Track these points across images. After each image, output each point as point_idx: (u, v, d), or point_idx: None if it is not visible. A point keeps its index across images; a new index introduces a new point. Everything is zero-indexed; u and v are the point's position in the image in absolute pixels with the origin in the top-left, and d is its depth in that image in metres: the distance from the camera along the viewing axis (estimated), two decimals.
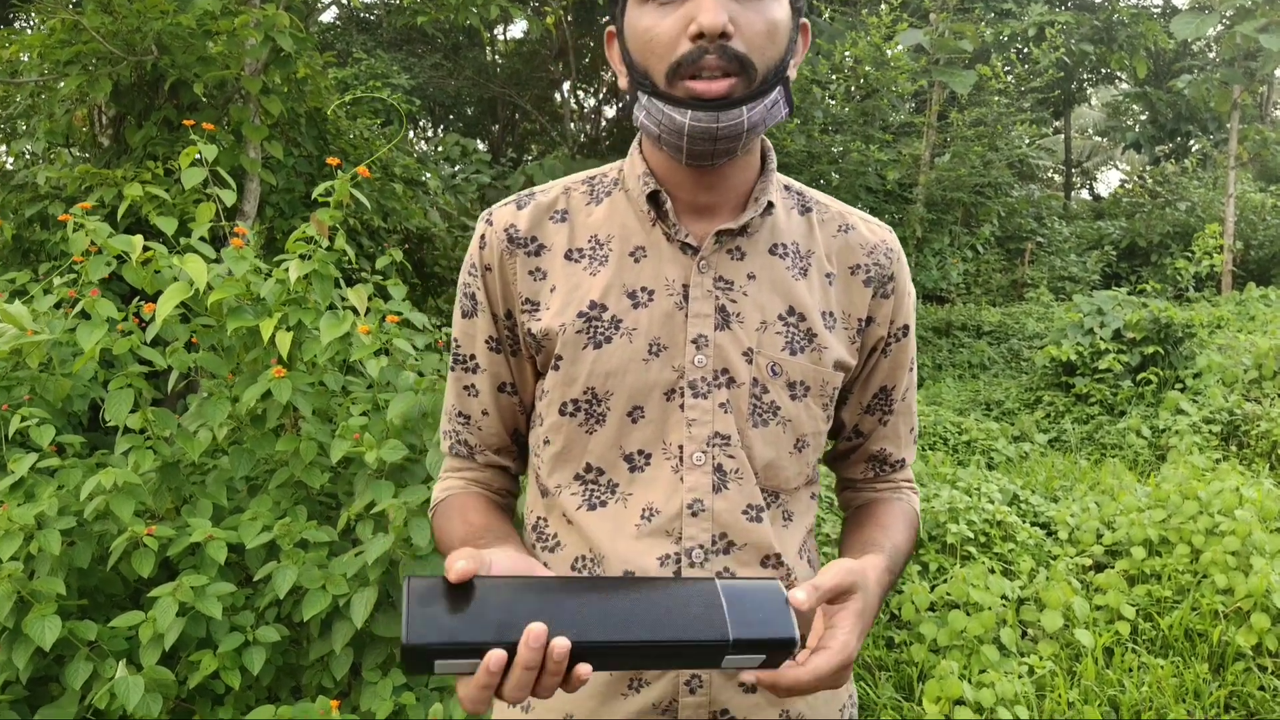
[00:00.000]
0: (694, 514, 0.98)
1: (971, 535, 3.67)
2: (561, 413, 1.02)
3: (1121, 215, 14.46)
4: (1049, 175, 19.61)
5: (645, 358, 1.00)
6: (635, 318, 1.00)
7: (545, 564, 1.03)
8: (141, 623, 2.10)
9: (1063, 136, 18.43)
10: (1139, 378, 6.38)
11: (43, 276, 3.01)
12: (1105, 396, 6.43)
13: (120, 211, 2.64)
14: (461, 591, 0.74)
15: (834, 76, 8.50)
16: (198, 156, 2.48)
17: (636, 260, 1.02)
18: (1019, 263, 12.70)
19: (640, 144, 1.05)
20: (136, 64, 4.04)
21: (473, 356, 1.09)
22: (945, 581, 3.36)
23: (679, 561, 0.98)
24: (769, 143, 1.06)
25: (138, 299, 2.49)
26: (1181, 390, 6.19)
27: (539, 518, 1.08)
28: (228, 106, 4.53)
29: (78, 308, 2.23)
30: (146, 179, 3.83)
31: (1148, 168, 17.05)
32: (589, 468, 1.02)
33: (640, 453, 1.00)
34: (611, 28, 0.99)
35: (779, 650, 0.78)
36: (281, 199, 5.12)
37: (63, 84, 3.93)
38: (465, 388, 1.11)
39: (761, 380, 1.01)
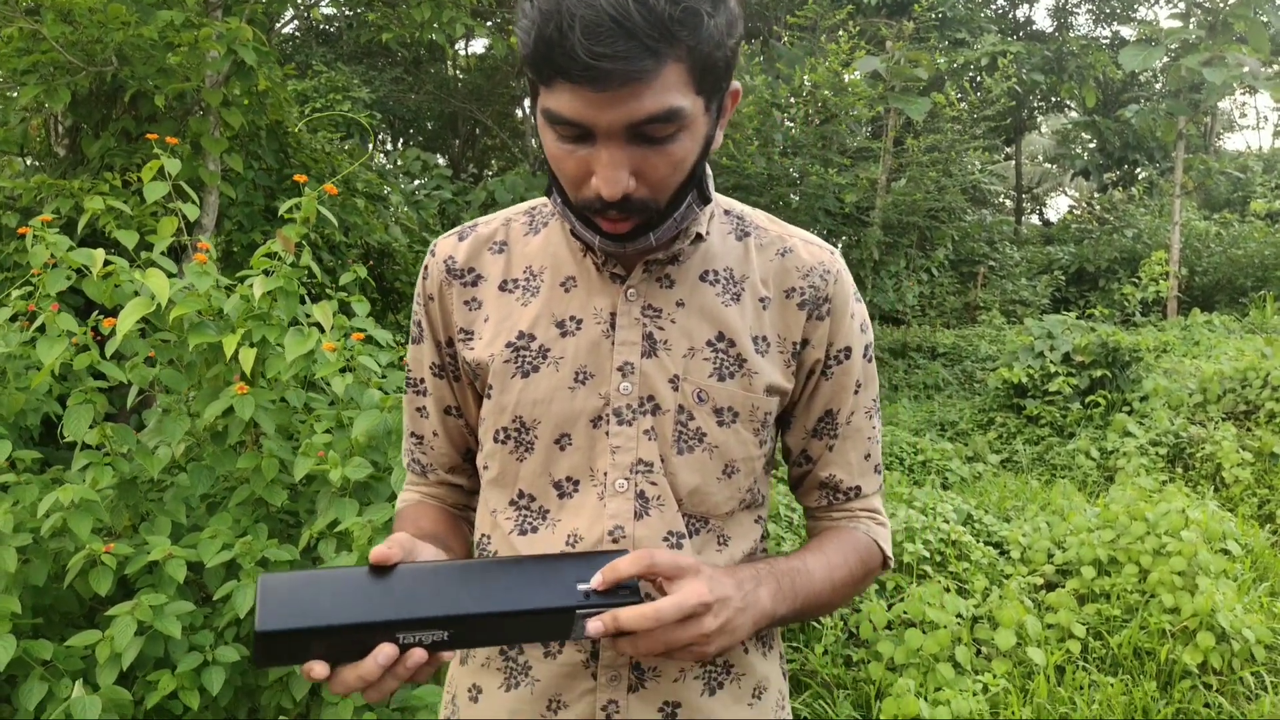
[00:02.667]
0: (614, 540, 1.00)
1: (928, 555, 3.73)
2: (495, 440, 1.05)
3: (1071, 241, 14.75)
4: (1000, 200, 20.00)
5: (571, 385, 1.01)
6: (563, 346, 1.02)
7: None
8: (98, 642, 2.06)
9: (1014, 163, 18.82)
10: (1088, 400, 6.51)
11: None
12: (1055, 418, 6.56)
13: (81, 224, 2.60)
14: (313, 583, 0.80)
15: (793, 100, 8.62)
16: (160, 170, 2.46)
17: (567, 290, 1.04)
18: (972, 286, 12.92)
19: None
20: (96, 74, 3.98)
21: (421, 380, 1.14)
22: (902, 600, 3.41)
23: None
24: (708, 169, 1.03)
25: (96, 313, 2.45)
26: (1129, 413, 6.33)
27: (483, 534, 1.10)
28: (187, 118, 4.48)
29: (36, 322, 2.19)
30: (104, 190, 3.78)
31: (1096, 195, 17.46)
32: (521, 494, 1.04)
33: (569, 479, 1.02)
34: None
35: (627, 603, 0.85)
36: (240, 212, 5.07)
37: (18, 93, 3.86)
38: (417, 409, 1.16)
39: (687, 407, 1.01)
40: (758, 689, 1.08)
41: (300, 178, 2.34)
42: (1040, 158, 22.01)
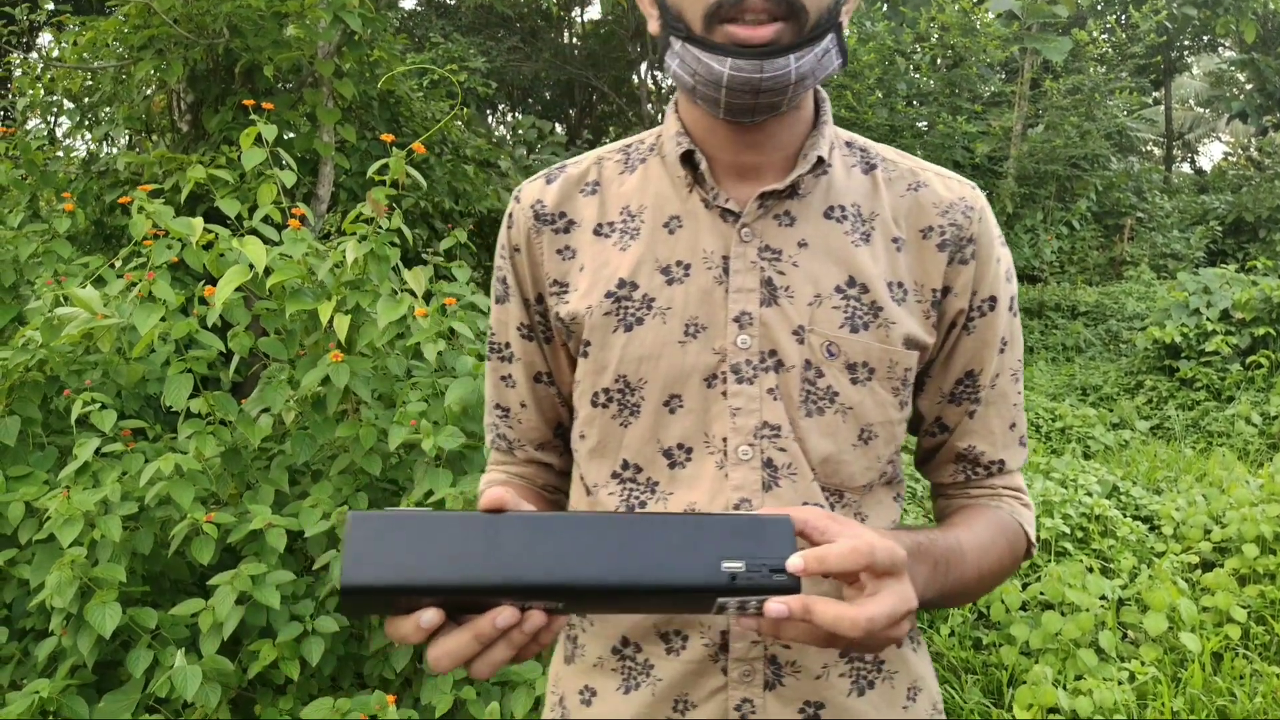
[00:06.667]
0: None
1: (1067, 530, 3.46)
2: (594, 404, 0.93)
3: (1227, 189, 13.72)
4: (1148, 148, 18.73)
5: (681, 340, 0.89)
6: (669, 295, 0.90)
7: None
8: (201, 611, 2.07)
9: (1162, 107, 17.56)
10: (1248, 361, 5.99)
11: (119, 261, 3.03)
12: (1212, 381, 6.06)
13: (184, 194, 2.61)
14: (413, 528, 0.66)
15: (919, 46, 8.17)
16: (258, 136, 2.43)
17: (671, 231, 0.92)
18: (1117, 239, 12.13)
19: (677, 104, 0.94)
20: (209, 47, 4.05)
21: (507, 345, 1.02)
22: (1038, 580, 3.17)
23: None
24: (824, 93, 0.92)
25: (201, 283, 2.46)
26: None
27: None
28: (302, 90, 4.52)
29: (134, 290, 2.20)
30: (221, 163, 3.84)
31: (1255, 138, 16.13)
32: (626, 464, 0.92)
33: (680, 447, 0.90)
34: None
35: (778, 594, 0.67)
36: (354, 182, 5.13)
37: (135, 68, 3.95)
38: (502, 378, 1.04)
39: (815, 363, 0.88)
40: (912, 689, 0.95)
41: (388, 137, 2.27)
42: (1191, 102, 20.48)
